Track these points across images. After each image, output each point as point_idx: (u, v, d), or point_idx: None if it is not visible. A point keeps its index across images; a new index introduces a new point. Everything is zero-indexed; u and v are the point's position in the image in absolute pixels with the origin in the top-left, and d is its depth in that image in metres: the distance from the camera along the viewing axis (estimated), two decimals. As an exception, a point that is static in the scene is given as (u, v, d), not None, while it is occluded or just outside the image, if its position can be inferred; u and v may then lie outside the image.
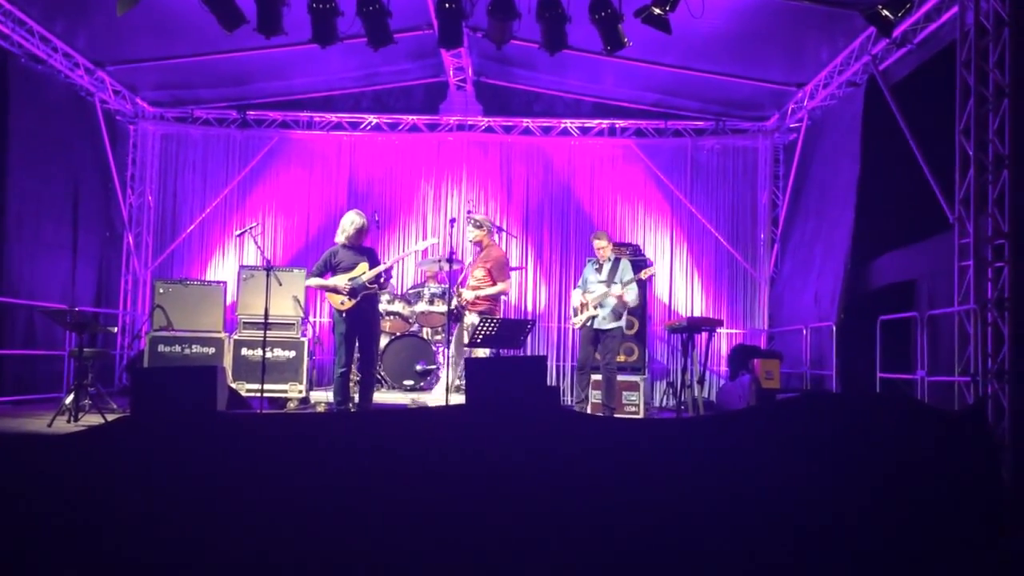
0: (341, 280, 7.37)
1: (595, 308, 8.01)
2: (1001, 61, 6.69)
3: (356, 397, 7.66)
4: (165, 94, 11.30)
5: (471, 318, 7.95)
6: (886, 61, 8.47)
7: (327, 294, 7.57)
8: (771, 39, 9.05)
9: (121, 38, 9.39)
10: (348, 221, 7.57)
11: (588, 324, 8.09)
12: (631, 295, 8.01)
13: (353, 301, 7.32)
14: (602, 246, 8.23)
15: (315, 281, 7.56)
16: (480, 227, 8.26)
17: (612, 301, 7.98)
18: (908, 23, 7.74)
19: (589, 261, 8.44)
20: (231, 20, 7.44)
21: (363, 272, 7.36)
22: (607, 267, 8.14)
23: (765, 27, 8.64)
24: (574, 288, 8.64)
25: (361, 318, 7.40)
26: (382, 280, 7.50)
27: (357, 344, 7.49)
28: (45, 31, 8.99)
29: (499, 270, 8.13)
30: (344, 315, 7.36)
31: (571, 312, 8.50)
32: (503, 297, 8.74)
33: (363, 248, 7.61)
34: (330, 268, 7.52)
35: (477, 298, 8.05)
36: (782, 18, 8.39)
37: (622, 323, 8.14)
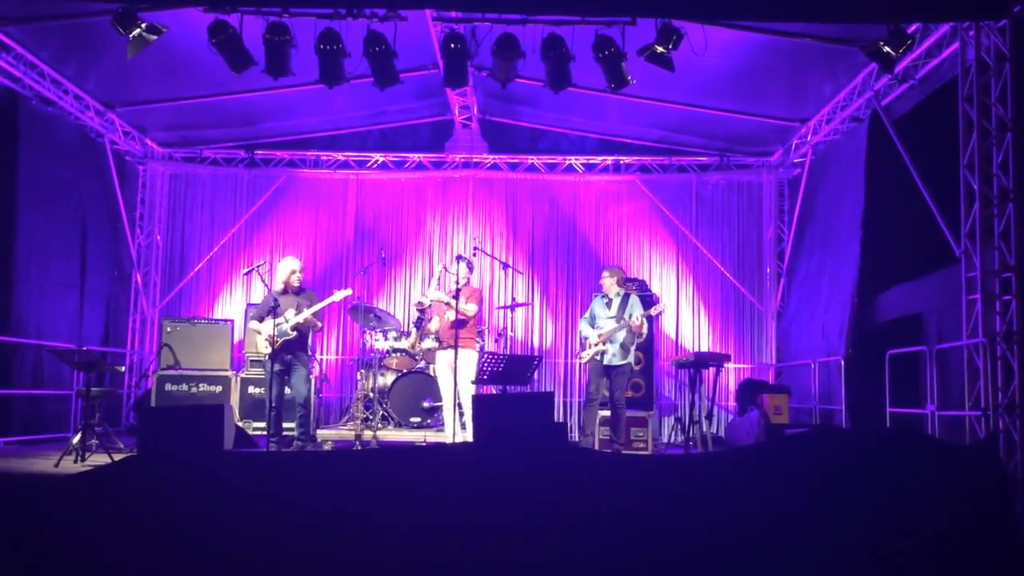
0: (267, 327, 7.60)
1: (605, 344, 8.02)
2: (1003, 96, 6.73)
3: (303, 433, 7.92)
4: (174, 135, 11.43)
5: (468, 355, 7.96)
6: (888, 96, 8.53)
7: (256, 338, 7.93)
8: (774, 75, 9.13)
9: (131, 80, 9.51)
10: (282, 268, 7.95)
11: (597, 359, 8.09)
12: (643, 326, 8.10)
13: (270, 348, 7.59)
14: (609, 283, 8.26)
15: (252, 324, 7.94)
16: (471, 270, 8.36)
17: (621, 336, 7.99)
18: (909, 59, 7.80)
19: (597, 295, 8.46)
20: (239, 62, 7.50)
21: (285, 321, 7.62)
22: (616, 302, 8.17)
23: (767, 64, 8.72)
24: (581, 319, 8.65)
25: (282, 360, 7.68)
26: (310, 323, 7.74)
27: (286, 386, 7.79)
28: (56, 74, 9.11)
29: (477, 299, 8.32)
30: (268, 358, 7.67)
31: (582, 345, 8.47)
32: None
33: (299, 291, 7.89)
34: (269, 312, 7.71)
35: (464, 314, 7.91)
36: (784, 55, 8.46)
37: (631, 359, 8.20)
